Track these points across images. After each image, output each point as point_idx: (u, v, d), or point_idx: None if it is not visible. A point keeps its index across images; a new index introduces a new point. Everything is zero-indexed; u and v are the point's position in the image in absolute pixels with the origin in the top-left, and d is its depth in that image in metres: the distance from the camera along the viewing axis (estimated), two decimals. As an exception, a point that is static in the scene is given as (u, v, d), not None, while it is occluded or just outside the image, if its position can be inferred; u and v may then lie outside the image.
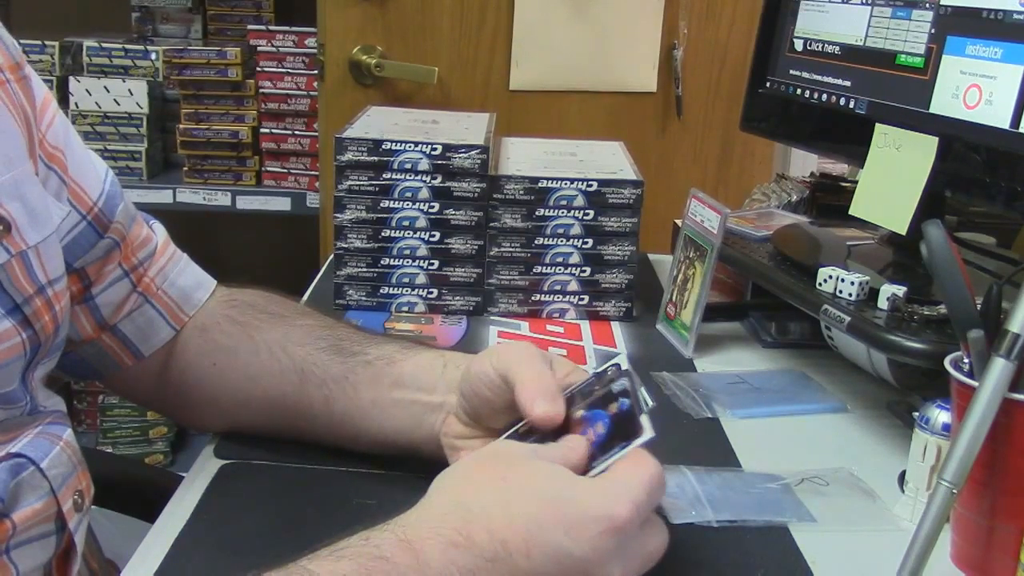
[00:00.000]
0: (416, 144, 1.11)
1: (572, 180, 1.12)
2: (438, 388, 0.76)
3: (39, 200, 0.67)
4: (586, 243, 1.14)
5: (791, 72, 1.15)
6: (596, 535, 0.56)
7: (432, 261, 1.15)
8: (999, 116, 0.85)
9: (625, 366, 0.67)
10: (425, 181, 1.12)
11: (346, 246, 1.14)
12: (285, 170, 2.20)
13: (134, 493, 1.03)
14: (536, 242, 1.14)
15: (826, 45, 1.09)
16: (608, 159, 1.24)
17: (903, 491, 0.79)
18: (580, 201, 1.12)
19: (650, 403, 0.63)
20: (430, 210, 1.13)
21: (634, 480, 0.58)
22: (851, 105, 1.04)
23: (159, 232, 0.86)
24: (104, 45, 2.20)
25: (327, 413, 0.79)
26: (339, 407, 0.79)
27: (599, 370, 0.69)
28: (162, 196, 2.17)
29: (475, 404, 0.71)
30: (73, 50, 2.21)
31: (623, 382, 0.65)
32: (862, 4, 1.04)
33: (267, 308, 0.85)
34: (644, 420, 0.62)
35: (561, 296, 1.16)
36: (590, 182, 1.12)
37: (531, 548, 0.56)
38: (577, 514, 0.56)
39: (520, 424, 0.67)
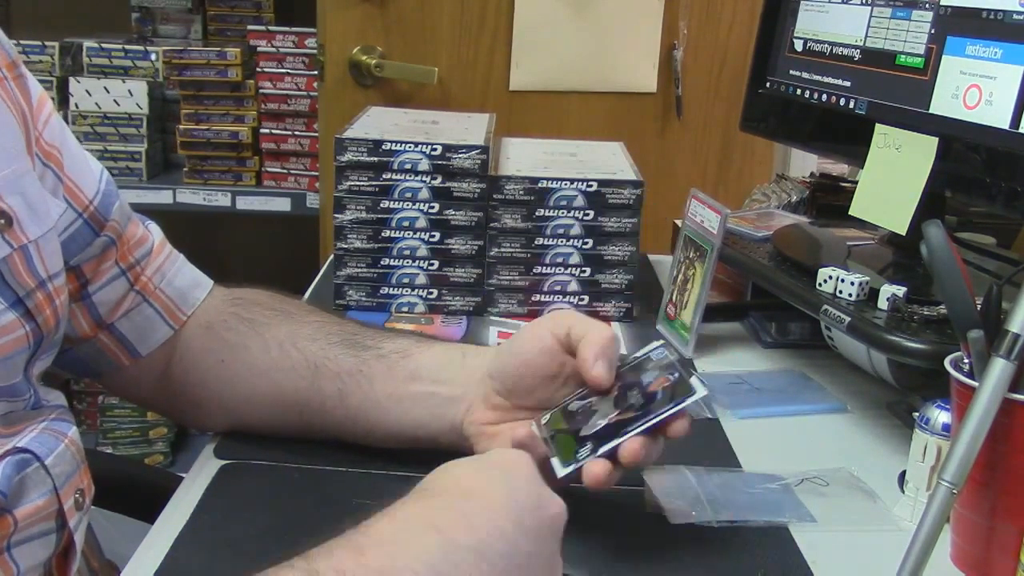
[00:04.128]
0: (416, 144, 1.11)
1: (572, 180, 1.12)
2: (457, 379, 0.76)
3: (38, 195, 0.68)
4: (586, 243, 1.14)
5: (791, 72, 1.14)
6: (489, 533, 0.55)
7: (432, 261, 1.14)
8: (999, 116, 0.85)
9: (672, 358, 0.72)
10: (425, 181, 1.12)
11: (346, 246, 1.14)
12: (285, 170, 2.20)
13: (134, 493, 1.03)
14: (536, 242, 1.14)
15: (826, 45, 1.09)
16: (608, 159, 1.24)
17: (903, 491, 0.79)
18: (580, 201, 1.12)
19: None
20: (430, 210, 1.13)
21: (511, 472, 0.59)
22: (851, 105, 1.04)
23: (155, 232, 0.85)
24: (104, 46, 2.19)
25: (342, 407, 0.79)
26: (354, 401, 0.79)
27: (641, 354, 0.73)
28: (162, 196, 2.17)
29: (519, 375, 0.73)
30: (73, 51, 2.20)
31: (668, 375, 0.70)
32: (862, 4, 1.04)
33: (273, 306, 0.85)
34: (695, 381, 0.68)
35: (561, 296, 1.16)
36: (590, 182, 1.12)
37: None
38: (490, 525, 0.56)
39: (575, 395, 0.71)
